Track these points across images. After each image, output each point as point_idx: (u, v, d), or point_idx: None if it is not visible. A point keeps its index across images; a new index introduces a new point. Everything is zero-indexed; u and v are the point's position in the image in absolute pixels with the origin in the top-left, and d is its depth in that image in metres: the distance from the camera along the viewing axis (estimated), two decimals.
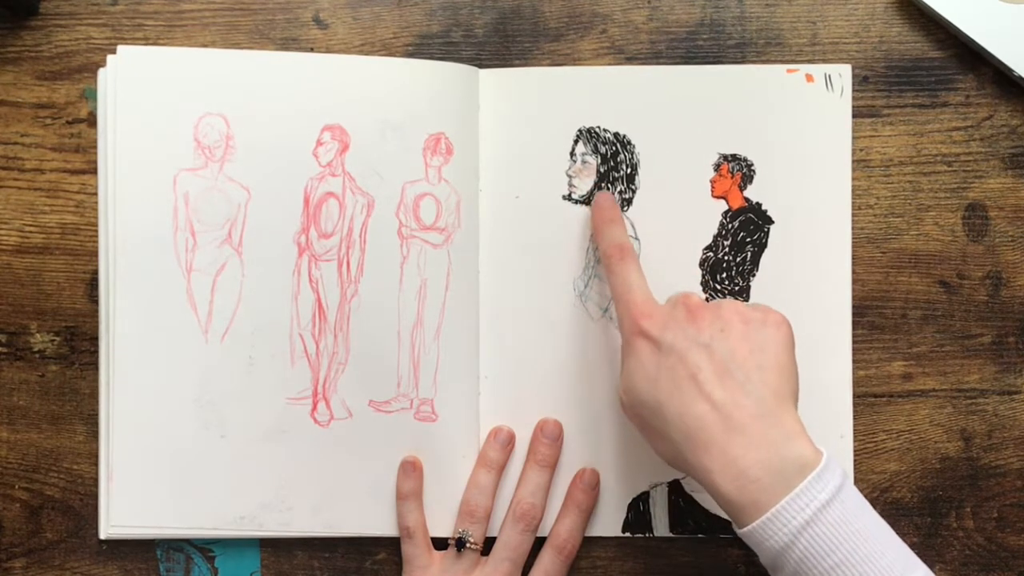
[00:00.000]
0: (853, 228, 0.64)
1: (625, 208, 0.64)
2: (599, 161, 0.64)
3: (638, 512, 0.64)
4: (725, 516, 0.63)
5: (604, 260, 0.59)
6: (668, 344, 0.53)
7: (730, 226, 0.64)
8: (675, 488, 0.64)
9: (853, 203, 0.64)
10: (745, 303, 0.56)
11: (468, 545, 0.61)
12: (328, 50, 0.64)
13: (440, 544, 0.63)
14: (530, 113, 0.64)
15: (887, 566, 0.49)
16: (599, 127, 0.64)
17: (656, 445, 0.56)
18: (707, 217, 0.64)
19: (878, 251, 0.64)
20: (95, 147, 0.63)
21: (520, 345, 0.64)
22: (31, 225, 0.64)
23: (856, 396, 0.64)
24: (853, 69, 0.64)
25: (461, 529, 0.61)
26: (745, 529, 0.50)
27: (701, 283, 0.63)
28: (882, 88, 0.64)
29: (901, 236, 0.64)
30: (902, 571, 0.50)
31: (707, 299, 0.59)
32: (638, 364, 0.54)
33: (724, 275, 0.63)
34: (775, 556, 0.50)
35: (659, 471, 0.64)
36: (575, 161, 0.64)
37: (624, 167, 0.64)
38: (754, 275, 0.64)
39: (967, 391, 0.64)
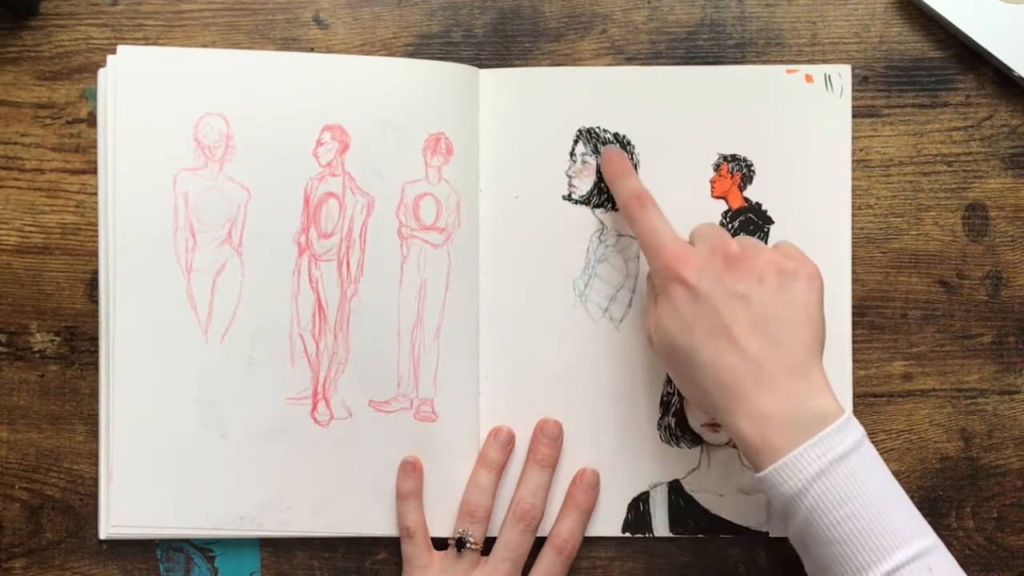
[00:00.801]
0: (853, 228, 0.64)
1: None
2: (599, 161, 0.64)
3: (638, 512, 0.64)
4: (725, 516, 0.63)
5: (624, 211, 0.59)
6: (705, 293, 0.54)
7: (730, 226, 0.64)
8: (675, 488, 0.64)
9: (853, 203, 0.64)
10: (778, 247, 0.56)
11: (468, 545, 0.61)
12: (328, 50, 0.64)
13: (440, 544, 0.63)
14: (530, 113, 0.64)
15: (895, 528, 0.50)
16: (599, 127, 0.64)
17: (683, 385, 0.57)
18: (707, 217, 0.63)
19: (878, 251, 0.64)
20: (95, 147, 0.63)
21: (520, 345, 0.64)
22: (31, 225, 0.64)
23: (856, 396, 0.64)
24: (853, 69, 0.64)
25: (461, 529, 0.61)
26: (762, 473, 0.52)
27: None
28: (882, 88, 0.64)
29: (901, 236, 0.64)
30: (910, 535, 0.51)
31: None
32: (672, 309, 0.55)
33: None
34: (788, 502, 0.52)
35: (659, 471, 0.64)
36: (575, 161, 0.64)
37: None
38: None
39: (967, 391, 0.64)
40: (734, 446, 0.63)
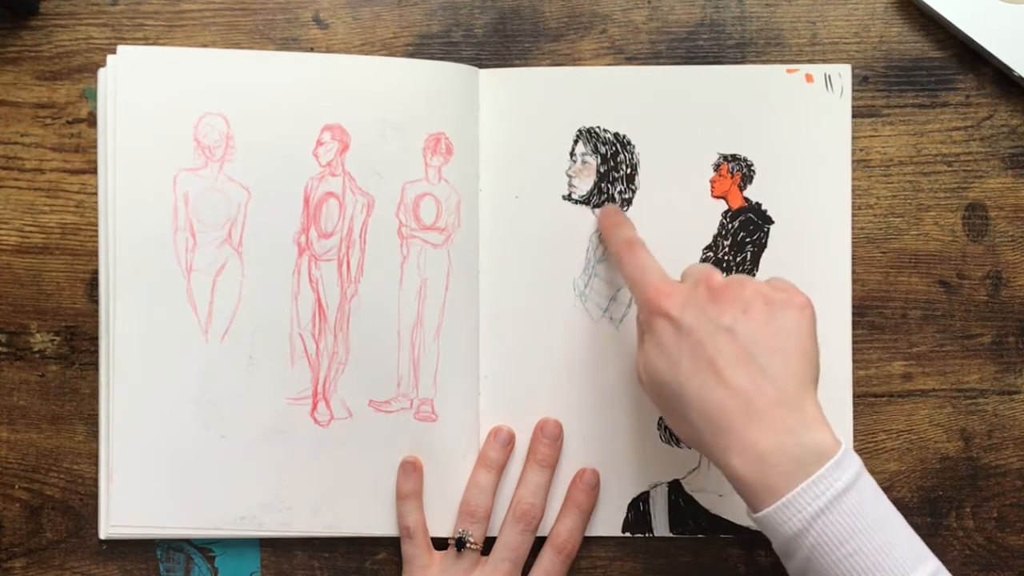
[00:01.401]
0: (853, 228, 0.64)
1: (625, 208, 0.64)
2: (599, 161, 0.64)
3: (638, 512, 0.64)
4: (725, 516, 0.63)
5: (615, 257, 0.59)
6: (688, 325, 0.52)
7: (730, 226, 0.64)
8: (675, 488, 0.64)
9: (853, 203, 0.64)
10: (768, 281, 0.54)
11: (468, 545, 0.61)
12: (328, 50, 0.64)
13: (440, 544, 0.63)
14: (530, 113, 0.64)
15: (900, 557, 0.49)
16: (599, 127, 0.64)
17: (674, 424, 0.54)
18: (707, 217, 0.64)
19: (878, 251, 0.64)
20: (95, 147, 0.63)
21: (520, 345, 0.64)
22: (31, 225, 0.64)
23: (856, 396, 0.64)
24: (853, 69, 0.64)
25: (461, 529, 0.61)
26: (760, 514, 0.50)
27: None
28: (882, 88, 0.64)
29: (901, 236, 0.64)
30: (914, 563, 0.49)
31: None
32: (657, 344, 0.53)
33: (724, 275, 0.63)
34: (788, 542, 0.50)
35: (659, 471, 0.64)
36: (575, 161, 0.64)
37: (624, 167, 0.64)
38: (754, 275, 0.64)
39: (967, 391, 0.64)
40: None
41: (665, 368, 0.53)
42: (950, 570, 0.51)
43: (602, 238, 0.63)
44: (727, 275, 0.55)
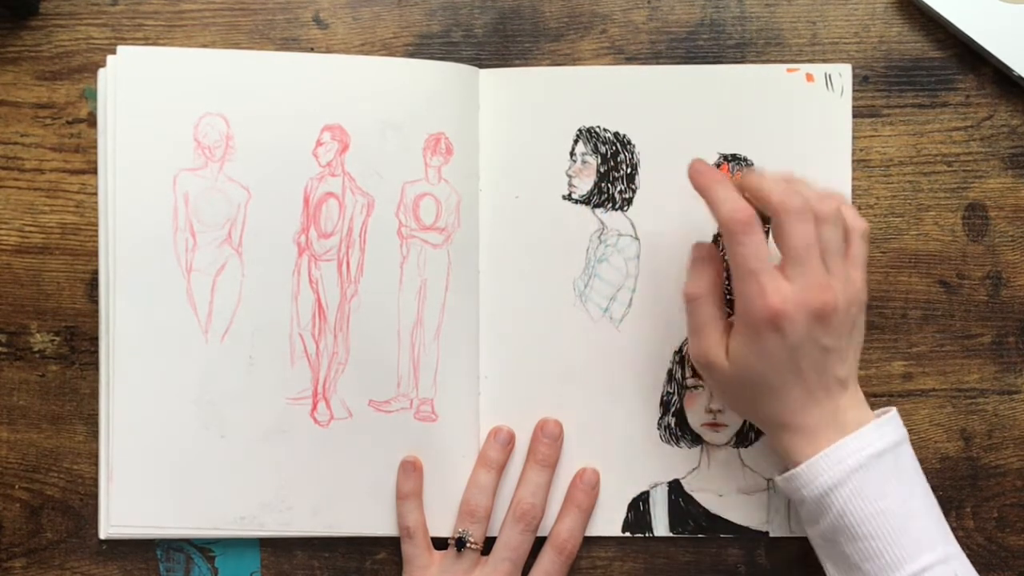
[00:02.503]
0: None
1: (625, 208, 0.64)
2: (599, 161, 0.64)
3: (638, 512, 0.64)
4: (725, 516, 0.63)
5: (726, 228, 0.55)
6: (795, 343, 0.54)
7: None
8: (675, 488, 0.64)
9: (853, 203, 0.64)
10: (853, 281, 0.56)
11: (468, 545, 0.61)
12: (328, 50, 0.64)
13: (440, 544, 0.63)
14: (530, 113, 0.64)
15: (927, 528, 0.53)
16: (599, 127, 0.64)
17: (737, 404, 0.59)
18: (707, 217, 0.63)
19: (878, 251, 0.64)
20: (95, 147, 0.63)
21: (520, 345, 0.64)
22: (31, 225, 0.64)
23: None
24: (853, 69, 0.64)
25: (461, 529, 0.61)
26: (801, 467, 0.54)
27: None
28: (882, 88, 0.64)
29: (901, 236, 0.64)
30: (940, 539, 0.53)
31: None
32: (762, 351, 0.55)
33: (725, 275, 0.63)
34: (822, 496, 0.54)
35: (659, 471, 0.64)
36: (575, 161, 0.64)
37: (624, 167, 0.64)
38: None
39: (967, 391, 0.64)
40: (735, 446, 0.63)
41: (763, 371, 0.55)
42: None
43: (705, 198, 0.57)
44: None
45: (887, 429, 0.55)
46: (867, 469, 0.53)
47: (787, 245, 0.54)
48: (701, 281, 0.58)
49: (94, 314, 0.64)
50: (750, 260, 0.54)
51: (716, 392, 0.61)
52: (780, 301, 0.53)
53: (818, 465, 0.54)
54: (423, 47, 0.64)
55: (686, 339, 0.63)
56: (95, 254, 0.64)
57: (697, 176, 0.57)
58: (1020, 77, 0.62)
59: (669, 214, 0.64)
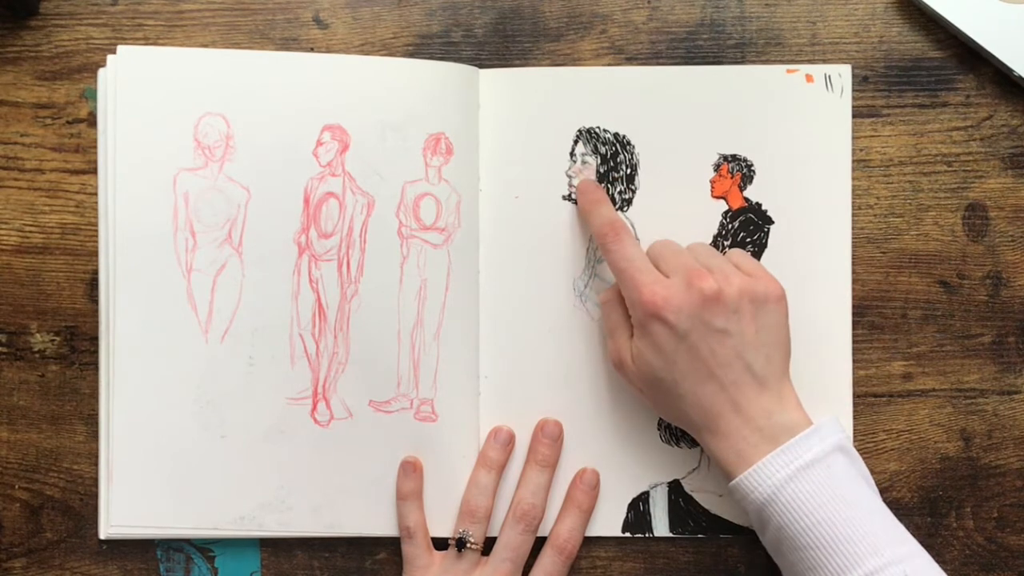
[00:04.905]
0: (853, 228, 0.64)
1: (625, 208, 0.64)
2: (599, 161, 0.64)
3: (638, 512, 0.64)
4: (725, 516, 0.63)
5: (598, 240, 0.60)
6: (684, 330, 0.55)
7: (730, 226, 0.64)
8: (675, 488, 0.64)
9: (853, 203, 0.64)
10: (741, 267, 0.58)
11: (468, 545, 0.61)
12: (328, 50, 0.64)
13: (440, 544, 0.63)
14: (530, 113, 0.64)
15: (868, 533, 0.52)
16: (599, 127, 0.64)
17: (660, 409, 0.60)
18: (707, 217, 0.64)
19: (878, 251, 0.64)
20: (95, 147, 0.63)
21: (520, 345, 0.64)
22: (31, 225, 0.64)
23: (856, 396, 0.64)
24: (853, 69, 0.64)
25: (461, 529, 0.61)
26: (733, 482, 0.55)
27: None
28: (882, 88, 0.64)
29: (901, 236, 0.64)
30: (885, 543, 0.52)
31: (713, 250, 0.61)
32: (653, 345, 0.56)
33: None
34: (760, 509, 0.54)
35: (659, 471, 0.64)
36: (575, 161, 0.64)
37: (624, 167, 0.64)
38: None
39: (967, 391, 0.64)
40: None
41: (661, 366, 0.57)
42: (950, 571, 0.51)
43: (580, 214, 0.63)
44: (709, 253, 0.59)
45: (814, 440, 0.54)
46: (797, 481, 0.53)
47: (653, 252, 0.59)
48: (612, 287, 0.60)
49: (94, 314, 0.64)
50: (620, 261, 0.58)
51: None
52: (657, 291, 0.56)
53: (750, 480, 0.54)
54: (423, 47, 0.64)
55: None
56: (95, 254, 0.64)
57: (582, 196, 0.62)
58: (1020, 77, 0.62)
59: (669, 215, 0.64)
